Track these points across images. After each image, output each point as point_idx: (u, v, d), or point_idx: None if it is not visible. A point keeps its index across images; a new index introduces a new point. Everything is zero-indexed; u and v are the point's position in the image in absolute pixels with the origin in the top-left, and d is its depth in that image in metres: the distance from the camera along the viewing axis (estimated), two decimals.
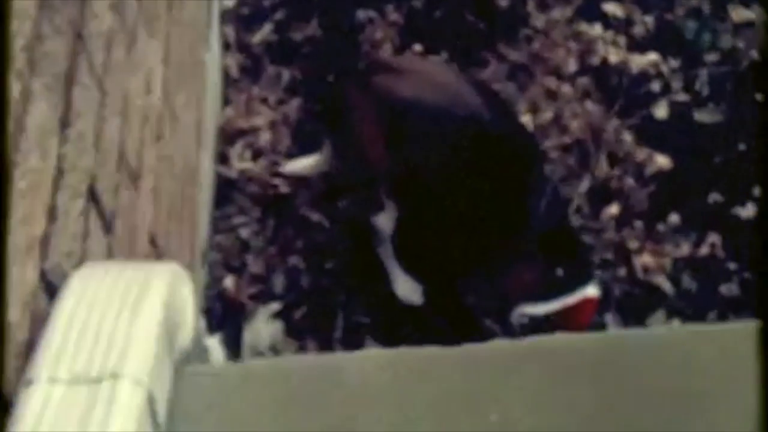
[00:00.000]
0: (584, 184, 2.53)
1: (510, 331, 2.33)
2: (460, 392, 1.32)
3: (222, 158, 2.60)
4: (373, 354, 1.80)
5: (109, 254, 1.50)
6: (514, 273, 2.20)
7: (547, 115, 2.61)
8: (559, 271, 2.18)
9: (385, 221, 2.29)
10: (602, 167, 2.56)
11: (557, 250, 2.19)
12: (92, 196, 1.43)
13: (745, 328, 1.39)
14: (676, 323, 2.37)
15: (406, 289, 2.35)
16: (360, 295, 2.41)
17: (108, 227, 1.50)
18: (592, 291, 2.17)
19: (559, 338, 1.41)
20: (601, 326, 2.33)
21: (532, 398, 1.35)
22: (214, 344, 1.87)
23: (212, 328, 2.32)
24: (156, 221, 1.81)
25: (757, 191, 2.53)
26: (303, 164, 2.55)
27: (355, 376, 1.34)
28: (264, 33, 2.84)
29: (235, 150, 2.62)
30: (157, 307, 1.20)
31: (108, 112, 1.52)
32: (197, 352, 1.42)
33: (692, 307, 2.45)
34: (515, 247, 2.16)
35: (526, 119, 2.61)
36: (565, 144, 2.58)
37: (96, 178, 1.43)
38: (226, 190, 2.57)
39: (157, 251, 1.82)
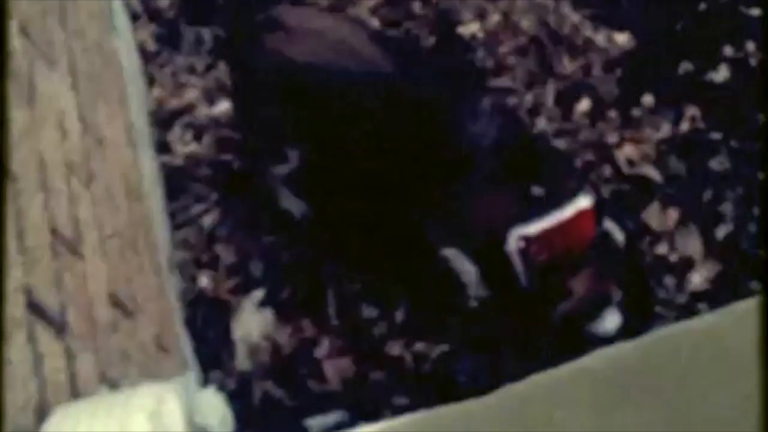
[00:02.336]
0: (550, 87, 2.29)
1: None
2: None
3: (162, 147, 2.36)
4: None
5: (69, 355, 1.29)
6: (477, 206, 2.04)
7: (495, 18, 2.34)
8: (536, 190, 2.00)
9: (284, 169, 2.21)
10: (564, 63, 2.31)
11: (518, 169, 2.02)
12: (33, 308, 1.19)
13: None
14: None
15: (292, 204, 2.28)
16: (347, 262, 2.19)
17: (60, 328, 1.27)
18: (584, 202, 2.01)
19: (595, 359, 1.23)
20: (605, 235, 2.13)
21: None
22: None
23: (198, 335, 2.12)
24: (112, 278, 1.58)
25: (728, 51, 2.31)
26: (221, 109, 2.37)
27: None
28: None
29: (175, 134, 2.35)
30: None
31: (24, 200, 1.26)
32: None
33: (684, 191, 2.29)
34: (460, 181, 2.01)
35: (474, 28, 2.33)
36: (520, 46, 2.31)
37: (30, 289, 1.19)
38: (176, 180, 2.33)
39: (124, 310, 1.60)
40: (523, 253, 2.04)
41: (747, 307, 1.29)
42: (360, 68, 2.02)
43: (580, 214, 2.01)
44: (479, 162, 2.00)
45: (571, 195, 2.01)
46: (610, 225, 2.15)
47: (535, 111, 2.32)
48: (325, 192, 2.24)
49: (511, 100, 2.30)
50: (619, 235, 2.11)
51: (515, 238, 2.05)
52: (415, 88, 2.05)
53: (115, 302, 1.59)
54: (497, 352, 2.13)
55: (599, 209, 2.13)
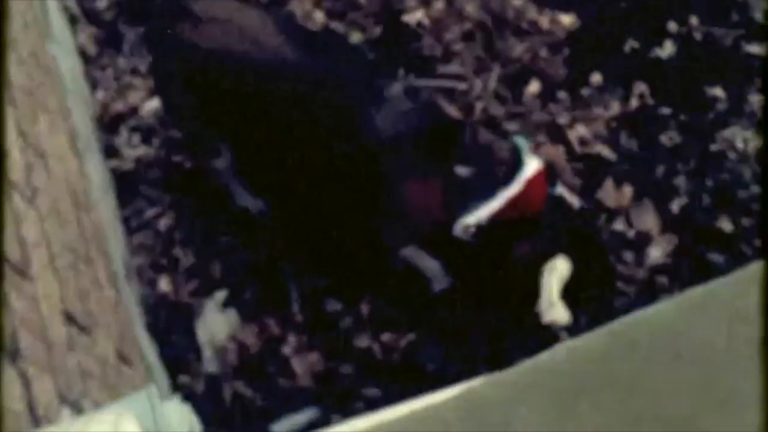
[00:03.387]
0: (496, 71, 2.23)
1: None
2: None
3: (110, 152, 2.28)
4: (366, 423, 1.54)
5: (25, 381, 1.20)
6: (410, 197, 1.97)
7: (440, 4, 2.28)
8: (462, 171, 1.93)
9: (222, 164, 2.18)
10: (511, 46, 2.25)
11: (439, 149, 1.95)
12: None
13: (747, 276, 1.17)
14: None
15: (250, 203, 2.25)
16: (307, 258, 2.14)
17: (14, 354, 1.19)
18: (532, 165, 1.92)
19: (554, 354, 1.18)
20: (558, 199, 2.06)
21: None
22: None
23: (162, 341, 2.03)
24: (65, 296, 1.49)
25: (672, 26, 2.28)
26: (148, 109, 2.32)
27: None
28: None
29: (122, 138, 2.26)
30: None
31: None
32: None
33: (637, 167, 2.30)
34: (382, 174, 1.95)
35: (419, 16, 2.27)
36: (466, 32, 2.25)
37: None
38: (127, 185, 2.27)
39: (79, 326, 1.51)
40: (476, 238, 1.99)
41: (702, 294, 1.25)
42: (264, 56, 1.98)
43: (531, 181, 1.93)
44: (395, 152, 1.93)
45: (506, 170, 1.92)
46: (562, 189, 2.08)
47: (484, 97, 2.26)
48: (278, 188, 2.17)
49: (462, 87, 2.22)
50: (574, 199, 2.07)
51: (463, 227, 1.99)
52: (319, 76, 2.00)
53: (70, 319, 1.54)
54: (465, 338, 2.09)
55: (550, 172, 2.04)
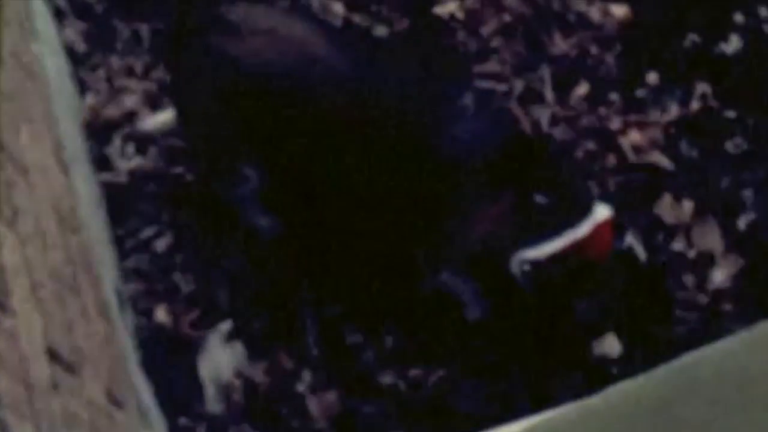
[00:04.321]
0: (543, 70, 2.16)
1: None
2: None
3: (101, 163, 2.23)
4: None
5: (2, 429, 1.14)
6: (471, 223, 1.94)
7: None
8: (539, 199, 1.90)
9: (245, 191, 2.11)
10: (556, 42, 2.19)
11: (516, 174, 1.90)
12: None
13: None
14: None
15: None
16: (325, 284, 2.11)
17: None
18: (602, 212, 1.91)
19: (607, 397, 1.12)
20: (628, 250, 2.09)
21: None
22: None
23: (158, 379, 1.96)
24: (49, 330, 1.41)
25: (739, 18, 2.21)
26: (157, 121, 2.25)
27: None
28: None
29: (114, 147, 2.22)
30: None
31: None
32: None
33: (699, 179, 2.23)
34: (449, 195, 1.91)
35: (452, 7, 2.23)
36: (506, 24, 2.19)
37: None
38: (120, 201, 2.21)
39: (65, 365, 1.44)
40: (529, 277, 1.95)
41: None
42: (313, 70, 1.92)
43: (598, 228, 1.91)
44: (467, 170, 1.90)
45: (582, 203, 1.92)
46: (631, 239, 2.09)
47: (527, 99, 2.19)
48: (295, 206, 2.10)
49: (501, 88, 2.17)
50: (641, 252, 2.07)
51: (520, 261, 1.96)
52: (380, 90, 1.95)
53: (54, 357, 1.49)
54: (503, 374, 2.01)
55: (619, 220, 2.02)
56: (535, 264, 1.92)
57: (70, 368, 1.56)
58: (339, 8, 2.40)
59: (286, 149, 2.01)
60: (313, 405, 2.03)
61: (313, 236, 2.16)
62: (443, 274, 2.06)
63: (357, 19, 2.37)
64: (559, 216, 1.90)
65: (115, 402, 1.78)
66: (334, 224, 2.11)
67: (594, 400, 1.21)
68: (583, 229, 1.87)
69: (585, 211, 1.89)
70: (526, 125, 2.22)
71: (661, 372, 1.23)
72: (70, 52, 2.31)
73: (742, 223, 2.19)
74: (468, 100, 1.95)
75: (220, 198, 2.17)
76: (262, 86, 1.95)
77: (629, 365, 2.05)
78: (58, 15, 2.34)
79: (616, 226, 1.98)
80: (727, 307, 2.11)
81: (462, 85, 2.10)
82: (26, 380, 1.39)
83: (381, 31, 2.37)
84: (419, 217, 1.98)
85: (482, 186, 1.92)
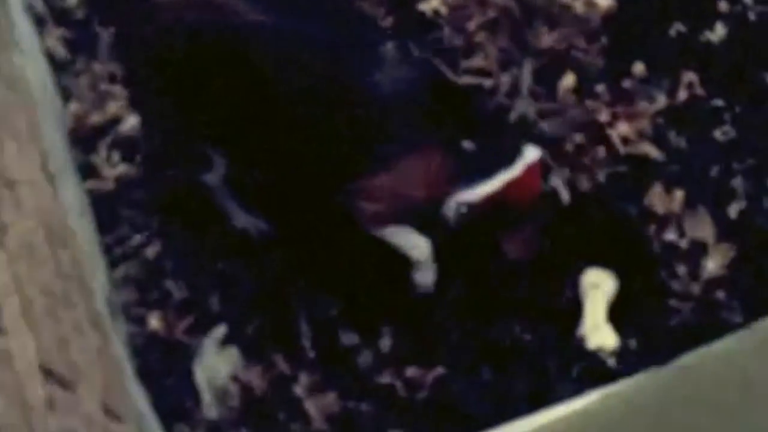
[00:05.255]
0: (528, 64, 2.15)
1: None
2: None
3: (87, 171, 2.20)
4: None
5: None
6: (401, 170, 1.91)
7: None
8: (467, 144, 1.90)
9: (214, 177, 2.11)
10: (541, 36, 2.17)
11: (442, 117, 1.90)
12: None
13: None
14: None
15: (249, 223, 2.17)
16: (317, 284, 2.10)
17: None
18: (531, 154, 1.94)
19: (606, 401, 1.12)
20: (553, 194, 2.09)
21: None
22: None
23: (154, 386, 1.94)
24: (42, 348, 1.40)
25: (724, 6, 2.20)
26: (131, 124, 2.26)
27: None
28: None
29: (100, 154, 2.19)
30: None
31: None
32: None
33: (689, 168, 2.21)
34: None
35: (436, 3, 2.20)
36: (490, 20, 2.17)
37: None
38: (108, 209, 2.18)
39: (60, 382, 1.42)
40: (464, 219, 1.96)
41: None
42: (234, 25, 1.87)
43: (528, 169, 1.94)
44: (395, 118, 1.89)
45: (510, 148, 1.93)
46: (557, 182, 2.10)
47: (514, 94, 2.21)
48: (283, 206, 2.08)
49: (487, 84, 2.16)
50: (564, 194, 2.07)
51: (456, 204, 1.95)
52: (299, 38, 1.91)
53: (49, 375, 1.48)
54: (501, 370, 2.01)
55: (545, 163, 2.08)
56: (471, 206, 1.92)
57: (66, 385, 1.55)
58: None
59: (236, 121, 1.95)
60: (311, 407, 2.01)
61: (301, 234, 2.13)
62: (386, 229, 2.04)
63: None
64: (490, 160, 1.90)
65: (113, 415, 1.76)
66: (318, 223, 2.07)
67: (593, 404, 1.20)
68: (515, 171, 1.89)
69: (514, 153, 1.90)
70: (451, 78, 2.19)
71: (660, 375, 1.22)
72: (52, 60, 2.29)
73: (732, 211, 2.18)
74: (389, 47, 1.92)
75: (204, 200, 2.12)
76: (187, 50, 1.90)
77: (626, 357, 2.05)
78: (39, 22, 2.32)
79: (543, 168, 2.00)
80: (721, 295, 2.10)
81: (382, 37, 2.03)
82: (22, 400, 1.37)
83: None
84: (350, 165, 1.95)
85: (411, 132, 1.90)
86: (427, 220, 2.03)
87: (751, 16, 2.36)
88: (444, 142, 1.91)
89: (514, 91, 2.26)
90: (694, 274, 2.13)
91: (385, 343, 2.07)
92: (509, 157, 1.92)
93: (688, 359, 1.19)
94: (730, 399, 1.05)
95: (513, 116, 2.24)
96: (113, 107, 2.23)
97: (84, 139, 2.22)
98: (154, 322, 2.08)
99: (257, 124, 1.95)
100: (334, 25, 1.99)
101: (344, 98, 1.91)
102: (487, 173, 1.92)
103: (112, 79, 2.28)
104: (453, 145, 1.91)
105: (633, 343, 2.08)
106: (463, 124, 1.93)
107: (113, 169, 2.18)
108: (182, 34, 1.89)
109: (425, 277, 2.12)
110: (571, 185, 2.15)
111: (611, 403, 1.20)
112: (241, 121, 1.96)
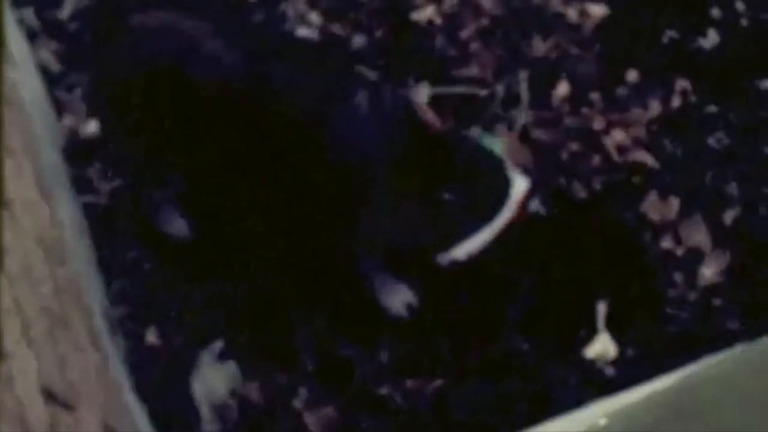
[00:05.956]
0: (523, 73, 2.15)
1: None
2: None
3: (82, 185, 2.18)
4: None
5: None
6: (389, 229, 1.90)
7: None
8: (445, 195, 1.84)
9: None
10: (536, 43, 2.17)
11: (420, 173, 1.84)
12: None
13: None
14: None
15: None
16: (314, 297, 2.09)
17: None
18: (521, 187, 1.87)
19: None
20: (537, 216, 2.01)
21: None
22: None
23: (153, 402, 1.93)
24: (43, 369, 1.38)
25: (716, 12, 2.21)
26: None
27: None
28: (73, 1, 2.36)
29: (95, 168, 2.18)
30: None
31: None
32: None
33: (683, 176, 2.21)
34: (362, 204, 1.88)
35: (429, 13, 2.19)
36: (484, 27, 2.17)
37: None
38: (104, 223, 2.17)
39: (61, 403, 1.41)
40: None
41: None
42: (202, 66, 1.85)
43: (520, 201, 1.89)
44: (371, 173, 1.84)
45: (495, 189, 1.86)
46: (536, 204, 2.01)
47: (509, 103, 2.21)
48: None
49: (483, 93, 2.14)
50: (541, 210, 1.99)
51: (450, 260, 1.95)
52: (268, 88, 1.87)
53: (50, 396, 1.45)
54: (499, 380, 2.01)
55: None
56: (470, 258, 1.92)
57: (67, 406, 1.53)
58: (316, 18, 2.37)
59: (198, 149, 1.94)
60: (311, 420, 2.01)
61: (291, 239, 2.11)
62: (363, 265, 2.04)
63: (334, 28, 2.34)
64: (477, 211, 1.86)
65: None
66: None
67: (595, 420, 1.19)
68: (510, 210, 1.85)
69: (502, 195, 1.84)
70: (430, 121, 2.14)
71: (660, 393, 1.21)
72: (45, 73, 2.27)
73: (728, 218, 2.18)
74: (361, 97, 1.86)
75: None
76: (153, 86, 1.88)
77: (624, 366, 2.05)
78: (31, 36, 2.32)
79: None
80: (717, 302, 2.11)
81: (354, 83, 1.99)
82: (24, 423, 1.35)
83: (359, 40, 2.33)
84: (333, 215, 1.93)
85: (388, 185, 1.86)
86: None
87: (744, 22, 2.37)
88: (425, 196, 1.86)
89: (508, 101, 2.26)
90: (691, 281, 2.14)
91: (384, 354, 2.06)
92: (499, 198, 1.87)
93: (686, 373, 1.19)
94: (727, 416, 1.05)
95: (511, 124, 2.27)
96: None
97: (78, 154, 2.20)
98: (151, 336, 2.07)
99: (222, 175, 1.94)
100: (307, 73, 1.93)
101: (315, 152, 1.86)
102: (478, 222, 1.88)
103: None
104: (435, 198, 1.85)
105: (630, 351, 2.10)
106: (441, 173, 1.86)
107: (108, 182, 2.16)
108: (155, 67, 1.87)
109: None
110: (567, 194, 2.18)
111: (611, 420, 1.19)
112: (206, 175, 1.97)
